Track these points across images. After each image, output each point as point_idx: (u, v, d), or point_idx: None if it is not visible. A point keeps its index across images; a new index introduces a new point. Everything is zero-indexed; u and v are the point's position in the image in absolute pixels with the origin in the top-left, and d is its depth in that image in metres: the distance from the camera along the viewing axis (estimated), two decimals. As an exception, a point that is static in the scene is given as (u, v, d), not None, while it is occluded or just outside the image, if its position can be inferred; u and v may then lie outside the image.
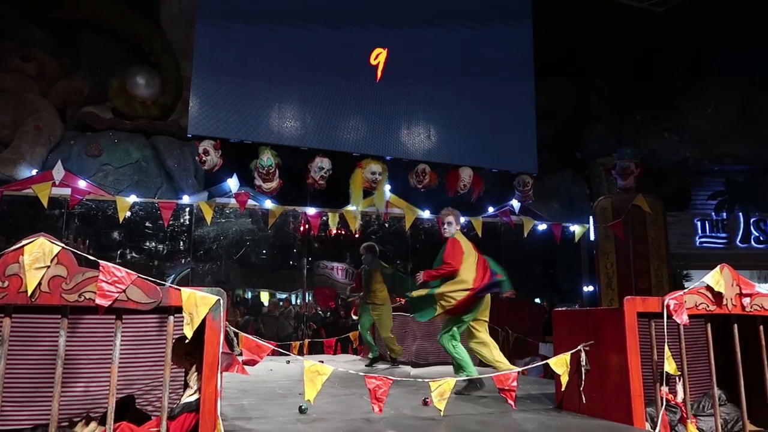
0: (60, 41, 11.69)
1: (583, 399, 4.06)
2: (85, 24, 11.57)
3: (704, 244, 13.00)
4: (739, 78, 13.78)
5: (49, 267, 2.67)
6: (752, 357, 3.92)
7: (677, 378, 3.94)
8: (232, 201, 8.29)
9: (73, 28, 11.69)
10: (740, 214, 13.08)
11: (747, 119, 13.66)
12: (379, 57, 8.77)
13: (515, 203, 9.61)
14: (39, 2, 10.98)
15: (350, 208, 8.60)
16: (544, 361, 4.40)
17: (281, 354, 7.05)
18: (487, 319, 5.48)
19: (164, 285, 2.89)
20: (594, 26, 13.50)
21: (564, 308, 5.75)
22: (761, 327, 3.95)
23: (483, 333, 5.34)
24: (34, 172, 9.16)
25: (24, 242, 2.66)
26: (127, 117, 10.82)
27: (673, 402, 3.88)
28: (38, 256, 2.65)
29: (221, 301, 2.98)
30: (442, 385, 3.69)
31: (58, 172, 7.72)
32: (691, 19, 13.21)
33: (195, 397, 3.04)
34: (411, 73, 8.96)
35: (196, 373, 3.15)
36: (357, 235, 10.17)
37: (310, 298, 11.28)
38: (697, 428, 3.78)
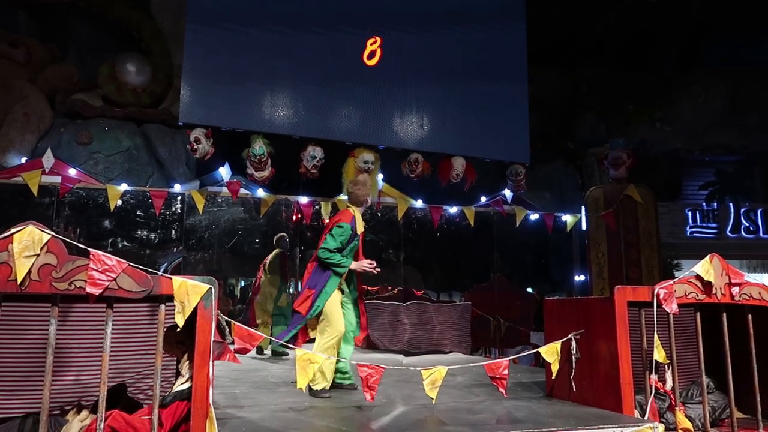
0: (48, 27, 11.53)
1: (574, 387, 4.09)
2: (74, 9, 11.40)
3: (695, 234, 13.08)
4: (728, 68, 13.84)
5: (38, 255, 2.65)
6: (740, 345, 3.96)
7: (666, 366, 3.99)
8: (224, 190, 8.25)
9: (62, 14, 11.52)
10: (730, 204, 13.17)
11: (736, 109, 13.74)
12: (373, 45, 8.71)
13: (508, 193, 9.62)
14: (27, -13, 10.85)
15: (343, 197, 8.58)
16: (535, 350, 4.43)
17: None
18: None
19: (155, 273, 2.88)
20: (586, 16, 13.49)
21: (555, 297, 5.78)
22: (750, 316, 3.99)
23: None
24: (23, 159, 9.07)
25: (13, 230, 2.63)
26: (118, 104, 10.71)
27: (662, 390, 3.93)
28: (28, 245, 2.63)
29: (213, 290, 2.97)
30: (433, 374, 3.71)
31: (48, 159, 7.65)
32: (681, 9, 13.22)
33: (187, 385, 3.05)
34: (404, 62, 8.90)
35: (187, 362, 3.16)
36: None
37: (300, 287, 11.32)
38: (686, 416, 3.82)
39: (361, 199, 4.94)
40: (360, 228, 4.92)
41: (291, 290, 8.68)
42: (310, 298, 4.59)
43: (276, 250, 7.87)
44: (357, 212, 4.91)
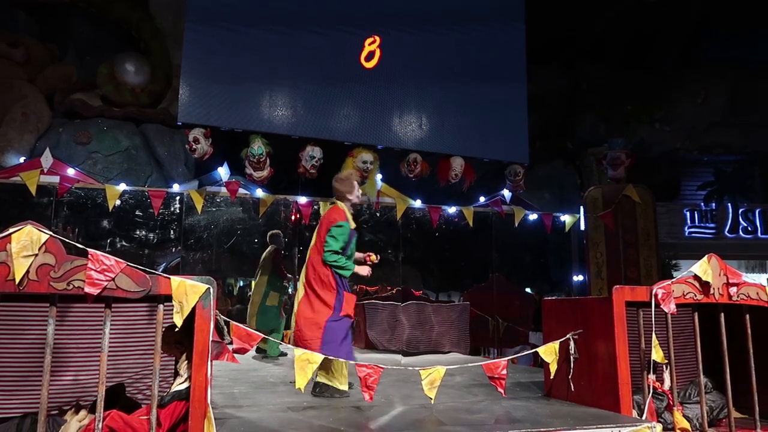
0: (48, 26, 11.52)
1: (572, 387, 4.10)
2: (74, 9, 11.40)
3: (693, 234, 13.09)
4: (727, 67, 13.82)
5: (37, 255, 2.65)
6: (738, 345, 3.97)
7: (664, 366, 3.99)
8: (223, 190, 8.25)
9: (61, 13, 11.51)
10: (729, 204, 13.18)
11: (736, 108, 13.74)
12: (371, 45, 8.71)
13: (506, 193, 9.63)
14: (26, -14, 10.85)
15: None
16: (534, 350, 4.43)
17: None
18: None
19: (154, 273, 2.88)
20: (585, 15, 13.48)
21: (553, 297, 5.78)
22: (747, 316, 4.00)
23: None
24: (21, 159, 9.06)
25: (11, 230, 2.63)
26: (117, 104, 10.70)
27: (660, 390, 3.94)
28: (26, 244, 2.63)
29: (211, 290, 2.97)
30: (432, 374, 3.71)
31: (47, 159, 7.65)
32: (681, 8, 13.23)
33: (185, 385, 3.05)
34: (403, 62, 8.90)
35: (186, 362, 3.15)
36: (348, 225, 10.14)
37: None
38: (684, 415, 3.83)
39: (343, 194, 4.79)
40: (352, 224, 4.85)
41: (290, 290, 8.67)
42: (352, 301, 4.63)
43: (270, 247, 7.88)
44: (346, 208, 4.78)
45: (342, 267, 4.56)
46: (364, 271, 4.73)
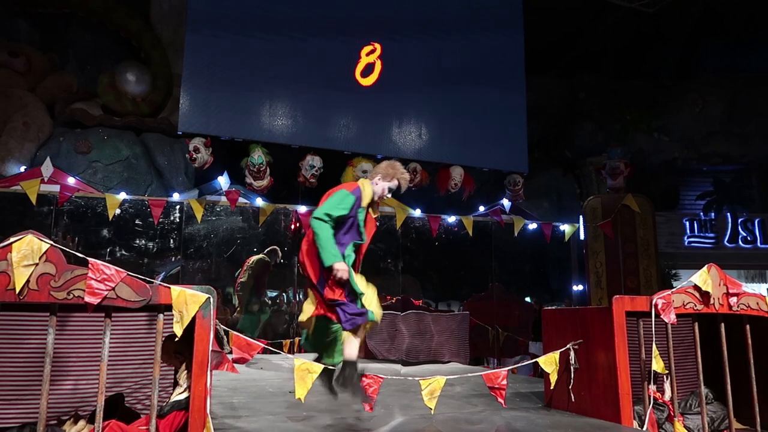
0: (48, 36, 11.58)
1: (572, 397, 4.09)
2: (74, 18, 11.47)
3: (693, 244, 13.10)
4: (725, 76, 13.89)
5: (37, 264, 2.65)
6: (739, 356, 3.96)
7: (665, 376, 3.99)
8: (223, 199, 8.26)
9: (62, 23, 11.58)
10: (728, 214, 13.21)
11: (734, 118, 13.80)
12: (369, 57, 8.75)
13: (506, 202, 9.65)
14: (27, -4, 10.91)
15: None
16: (534, 360, 4.42)
17: (272, 352, 7.00)
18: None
19: (154, 283, 2.88)
20: (583, 24, 13.57)
21: (553, 307, 5.78)
22: (747, 326, 3.99)
23: None
24: (22, 168, 9.08)
25: (12, 239, 2.64)
26: (117, 114, 10.73)
27: (660, 400, 3.92)
28: (26, 254, 2.63)
29: (211, 299, 2.97)
30: (432, 384, 3.70)
31: (47, 168, 7.67)
32: (679, 18, 13.32)
33: (185, 395, 3.04)
34: (403, 72, 8.95)
35: (185, 372, 3.15)
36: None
37: (301, 296, 11.28)
38: (684, 426, 3.82)
39: (377, 174, 3.60)
40: (367, 207, 3.52)
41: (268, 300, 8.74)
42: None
43: (261, 256, 7.92)
44: (367, 187, 3.53)
45: (317, 233, 3.27)
46: (339, 269, 3.27)
